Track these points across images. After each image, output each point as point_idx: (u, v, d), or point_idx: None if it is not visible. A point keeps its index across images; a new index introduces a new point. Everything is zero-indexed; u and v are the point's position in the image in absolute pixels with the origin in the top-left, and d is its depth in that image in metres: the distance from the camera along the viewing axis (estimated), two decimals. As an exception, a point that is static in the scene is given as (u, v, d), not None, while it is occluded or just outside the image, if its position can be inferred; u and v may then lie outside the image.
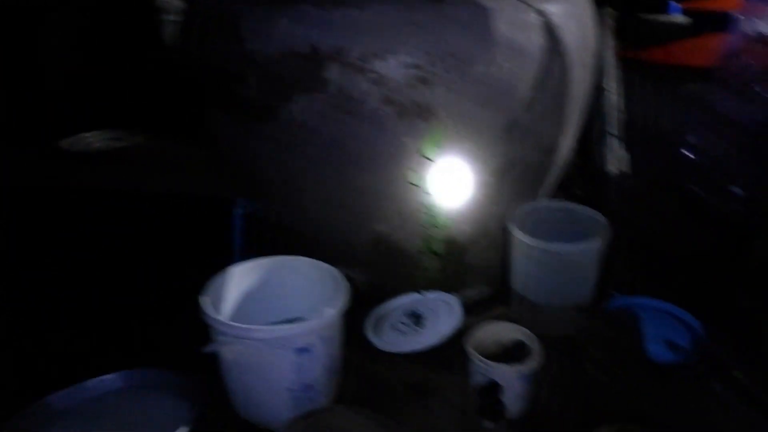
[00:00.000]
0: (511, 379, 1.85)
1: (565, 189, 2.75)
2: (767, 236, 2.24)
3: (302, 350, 1.79)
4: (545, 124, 2.35)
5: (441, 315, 2.47)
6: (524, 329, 2.10)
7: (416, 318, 2.50)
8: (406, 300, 2.61)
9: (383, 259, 2.62)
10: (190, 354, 1.84)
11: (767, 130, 2.40)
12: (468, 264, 2.72)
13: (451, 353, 2.27)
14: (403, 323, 2.48)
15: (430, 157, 2.20)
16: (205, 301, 1.67)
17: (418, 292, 2.60)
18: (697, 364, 2.28)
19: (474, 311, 2.59)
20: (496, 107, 2.20)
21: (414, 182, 2.26)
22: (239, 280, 2.09)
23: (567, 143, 2.57)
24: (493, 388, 1.79)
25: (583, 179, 2.84)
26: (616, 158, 2.78)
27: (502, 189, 2.49)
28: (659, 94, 2.89)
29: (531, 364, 1.89)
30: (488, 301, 2.73)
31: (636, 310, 2.59)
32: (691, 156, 2.56)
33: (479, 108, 2.16)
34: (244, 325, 1.73)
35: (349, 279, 2.11)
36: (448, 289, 2.64)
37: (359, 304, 2.58)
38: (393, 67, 2.08)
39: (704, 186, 2.53)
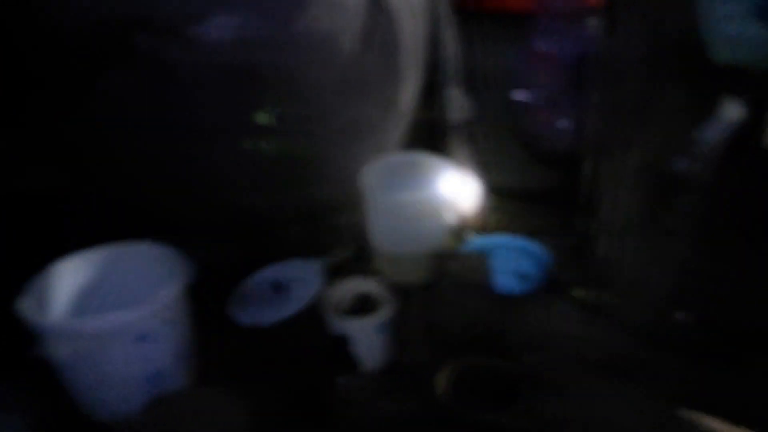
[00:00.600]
0: (360, 331, 1.88)
1: (414, 141, 2.80)
2: (592, 164, 2.42)
3: (142, 337, 1.70)
4: (380, 78, 2.36)
5: (304, 281, 2.46)
6: (378, 282, 2.14)
7: (279, 288, 2.47)
8: (269, 272, 2.56)
9: (242, 232, 2.55)
10: (17, 362, 1.68)
11: (584, 64, 2.57)
12: (332, 226, 2.72)
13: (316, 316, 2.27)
14: (266, 295, 2.44)
15: (263, 122, 2.14)
16: (24, 303, 1.52)
17: (281, 261, 2.56)
18: (543, 289, 2.47)
19: (341, 272, 2.59)
20: (323, 64, 2.17)
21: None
22: (70, 276, 1.92)
23: (408, 96, 2.61)
24: (342, 341, 1.81)
25: (430, 130, 2.91)
26: (458, 106, 2.87)
27: (351, 147, 2.49)
28: (494, 41, 3.01)
29: (381, 315, 1.93)
30: (355, 260, 2.75)
31: (490, 248, 2.76)
32: (522, 97, 2.70)
33: (306, 66, 2.13)
34: (67, 321, 1.61)
35: (207, 256, 2.03)
36: (313, 255, 2.62)
37: (224, 281, 2.51)
38: (209, 31, 1.97)
39: (536, 124, 2.69)
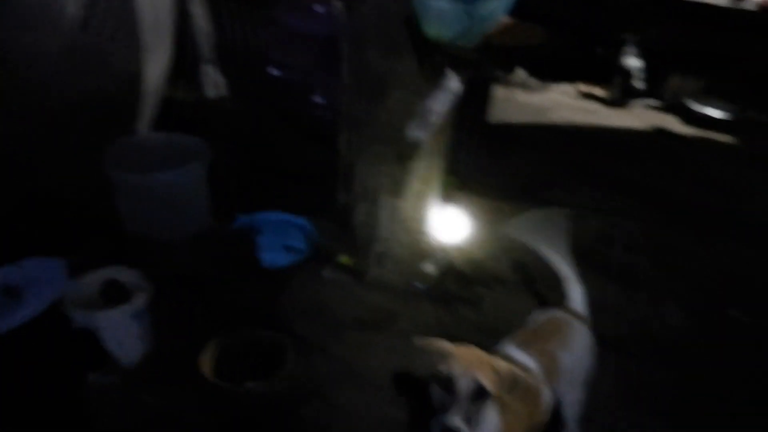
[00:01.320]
0: (110, 322, 1.72)
1: (165, 119, 2.64)
2: (347, 137, 2.57)
3: None
4: (114, 48, 2.15)
5: (43, 281, 2.14)
6: (131, 270, 1.98)
7: (11, 292, 2.11)
8: (-3, 276, 2.17)
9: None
10: None
11: (335, 43, 2.69)
12: (81, 217, 2.42)
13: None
14: (-6, 302, 2.07)
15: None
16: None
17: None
18: (311, 259, 2.56)
19: (93, 263, 2.32)
20: (45, 30, 1.90)
21: None
22: None
23: (154, 72, 2.44)
24: (90, 335, 1.64)
25: (183, 107, 2.77)
26: (212, 83, 2.78)
27: (89, 125, 2.23)
28: (247, 19, 2.97)
29: (134, 304, 1.79)
30: (109, 250, 2.48)
31: (257, 226, 2.76)
32: (277, 73, 2.73)
33: (27, 33, 1.84)
34: None
35: None
36: (56, 251, 2.29)
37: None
38: None
39: (292, 99, 2.75)
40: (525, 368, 1.38)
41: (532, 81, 5.26)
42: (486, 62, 3.11)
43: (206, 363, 1.79)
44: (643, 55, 4.60)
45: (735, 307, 2.48)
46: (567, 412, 1.58)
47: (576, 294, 1.67)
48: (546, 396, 1.42)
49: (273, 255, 2.52)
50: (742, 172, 3.83)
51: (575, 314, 1.61)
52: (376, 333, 2.18)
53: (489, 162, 3.72)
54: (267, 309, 2.22)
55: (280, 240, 2.68)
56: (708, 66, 4.54)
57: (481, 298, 2.39)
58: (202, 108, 2.78)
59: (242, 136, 2.75)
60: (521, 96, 4.93)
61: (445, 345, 1.21)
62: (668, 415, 1.96)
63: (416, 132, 2.23)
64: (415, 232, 2.43)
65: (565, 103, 4.90)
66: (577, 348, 1.53)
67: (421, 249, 2.49)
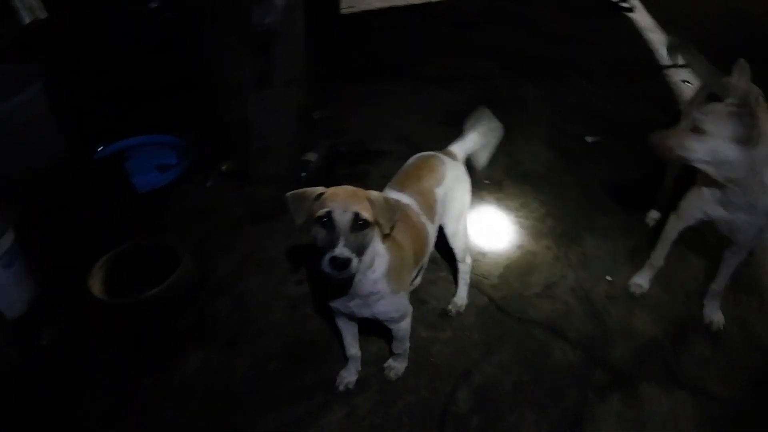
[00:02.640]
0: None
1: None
2: (193, 33, 2.37)
3: None
4: None
5: None
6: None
7: None
8: None
9: None
10: None
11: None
12: None
13: None
14: None
15: None
16: None
17: None
18: (192, 173, 2.46)
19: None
20: None
21: None
22: None
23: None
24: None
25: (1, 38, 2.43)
26: (26, 6, 2.45)
27: None
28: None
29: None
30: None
31: (125, 152, 2.57)
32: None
33: None
34: None
35: None
36: None
37: None
38: None
39: (128, 6, 2.50)
40: (405, 205, 1.46)
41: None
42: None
43: (96, 284, 1.71)
44: None
45: (591, 134, 2.76)
46: (452, 241, 1.72)
47: (462, 141, 1.75)
48: (427, 226, 1.52)
49: (146, 177, 2.37)
50: (567, 23, 4.14)
51: (449, 153, 1.71)
52: (273, 222, 2.18)
53: (355, 47, 3.71)
54: (152, 225, 2.14)
55: (151, 161, 2.53)
56: None
57: (366, 173, 2.46)
58: (23, 34, 2.45)
59: (79, 60, 2.48)
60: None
61: (317, 189, 1.23)
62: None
63: (266, 17, 2.12)
64: (289, 121, 2.39)
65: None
66: (450, 183, 1.62)
67: (300, 137, 2.47)
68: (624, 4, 4.29)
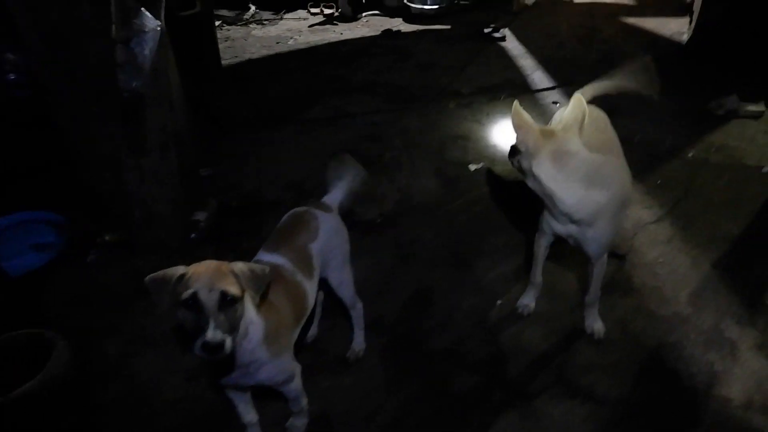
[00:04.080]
0: None
1: None
2: (56, 106, 2.29)
3: None
4: None
5: None
6: None
7: None
8: None
9: None
10: None
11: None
12: None
13: None
14: None
15: None
16: None
17: None
18: (71, 249, 2.33)
19: None
20: None
21: None
22: None
23: None
24: None
25: None
26: None
27: None
28: None
29: None
30: None
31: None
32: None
33: None
34: None
35: None
36: None
37: None
38: None
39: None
40: (278, 267, 1.43)
41: (265, 14, 5.24)
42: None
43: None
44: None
45: (473, 161, 2.91)
46: (339, 291, 1.73)
47: (333, 191, 1.75)
48: (304, 283, 1.50)
49: (19, 260, 2.22)
50: (444, 53, 4.40)
51: (321, 206, 1.69)
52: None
53: (239, 98, 3.70)
54: (26, 315, 1.98)
55: (25, 241, 2.37)
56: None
57: (260, 225, 2.44)
58: None
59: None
60: (258, 31, 4.89)
61: (177, 269, 1.17)
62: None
63: (132, 81, 2.08)
64: (171, 184, 2.33)
65: (301, 28, 4.98)
66: (325, 236, 1.61)
67: (185, 199, 2.41)
68: (496, 35, 4.60)
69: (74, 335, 1.86)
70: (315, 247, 1.56)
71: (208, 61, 3.50)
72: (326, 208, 1.69)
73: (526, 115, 1.57)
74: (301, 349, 1.83)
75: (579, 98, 1.64)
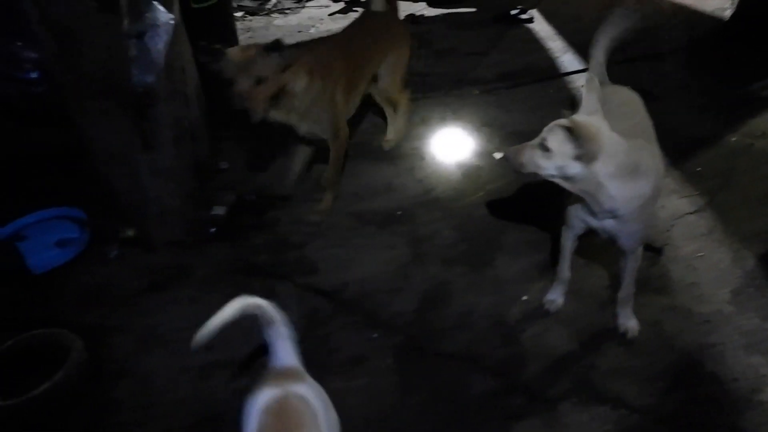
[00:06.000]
0: None
1: None
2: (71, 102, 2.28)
3: None
4: None
5: None
6: None
7: None
8: None
9: None
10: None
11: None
12: None
13: None
14: None
15: None
16: None
17: None
18: (93, 245, 2.33)
19: None
20: None
21: None
22: None
23: None
24: None
25: None
26: None
27: None
28: None
29: None
30: None
31: (21, 232, 2.42)
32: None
33: None
34: None
35: None
36: None
37: None
38: None
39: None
40: None
41: (287, 2, 5.17)
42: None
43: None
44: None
45: (498, 149, 2.78)
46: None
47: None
48: None
49: (44, 256, 2.22)
50: (463, 35, 4.17)
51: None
52: (175, 290, 2.07)
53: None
54: (45, 312, 1.99)
55: (50, 238, 2.38)
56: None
57: (276, 220, 2.39)
58: None
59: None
60: (279, 20, 4.82)
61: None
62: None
63: (142, 77, 2.05)
64: (186, 179, 2.30)
65: (322, 16, 4.88)
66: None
67: (201, 194, 2.38)
68: (523, 16, 4.41)
69: (88, 333, 1.87)
70: None
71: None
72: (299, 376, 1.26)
73: (591, 122, 1.45)
74: (310, 346, 1.77)
75: (592, 78, 1.54)
